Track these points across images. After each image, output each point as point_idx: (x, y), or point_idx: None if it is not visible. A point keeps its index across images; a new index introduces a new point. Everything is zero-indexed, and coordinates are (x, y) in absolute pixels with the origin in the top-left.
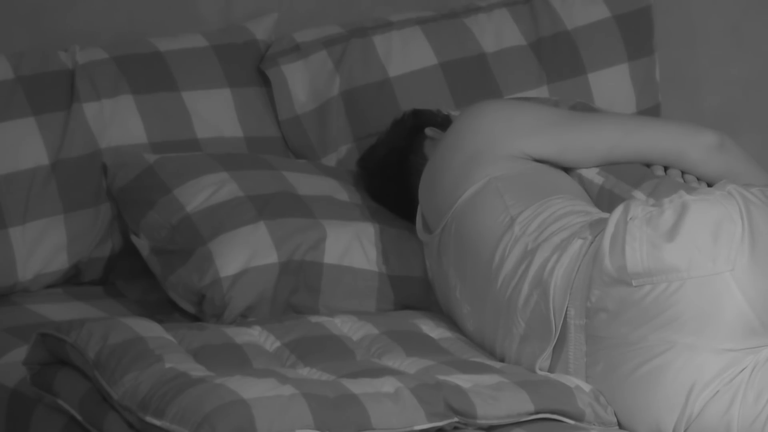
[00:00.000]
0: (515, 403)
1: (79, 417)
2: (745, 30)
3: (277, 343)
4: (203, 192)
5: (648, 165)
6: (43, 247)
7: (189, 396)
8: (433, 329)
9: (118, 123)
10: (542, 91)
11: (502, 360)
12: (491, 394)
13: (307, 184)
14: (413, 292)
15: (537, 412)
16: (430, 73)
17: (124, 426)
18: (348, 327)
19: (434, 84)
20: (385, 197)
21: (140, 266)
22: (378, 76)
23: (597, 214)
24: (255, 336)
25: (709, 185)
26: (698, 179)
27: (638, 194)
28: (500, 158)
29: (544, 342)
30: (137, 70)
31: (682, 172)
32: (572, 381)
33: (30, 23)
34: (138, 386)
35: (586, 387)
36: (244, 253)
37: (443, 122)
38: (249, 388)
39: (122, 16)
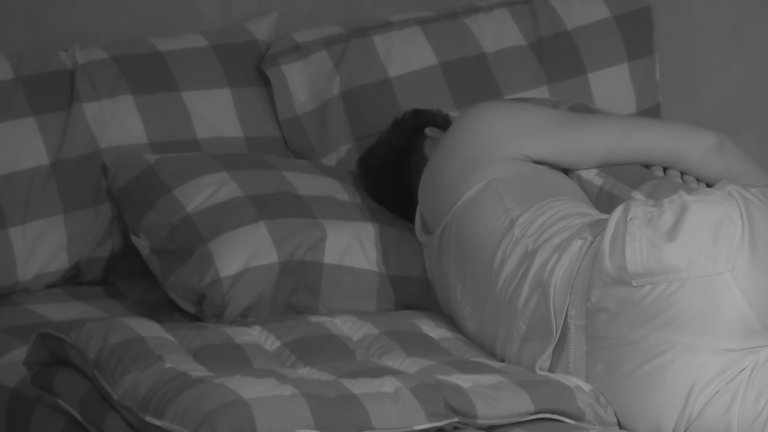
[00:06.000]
0: (515, 403)
1: (79, 417)
2: (745, 30)
3: (277, 343)
4: (203, 192)
5: (647, 166)
6: (43, 247)
7: (189, 396)
8: (433, 329)
9: (118, 123)
10: (542, 91)
11: (502, 361)
12: (491, 394)
13: (307, 184)
14: (413, 292)
15: (537, 412)
16: (430, 73)
17: (124, 426)
18: (348, 327)
19: (434, 84)
20: (385, 197)
21: (140, 266)
22: (378, 76)
23: (597, 215)
24: (255, 336)
25: (709, 186)
26: (698, 180)
27: (638, 195)
28: (500, 160)
29: (544, 342)
30: (137, 70)
31: (682, 173)
32: (572, 381)
33: (30, 23)
34: (138, 386)
35: (586, 387)
36: (244, 253)
37: (443, 122)
38: (249, 388)
39: (122, 16)
